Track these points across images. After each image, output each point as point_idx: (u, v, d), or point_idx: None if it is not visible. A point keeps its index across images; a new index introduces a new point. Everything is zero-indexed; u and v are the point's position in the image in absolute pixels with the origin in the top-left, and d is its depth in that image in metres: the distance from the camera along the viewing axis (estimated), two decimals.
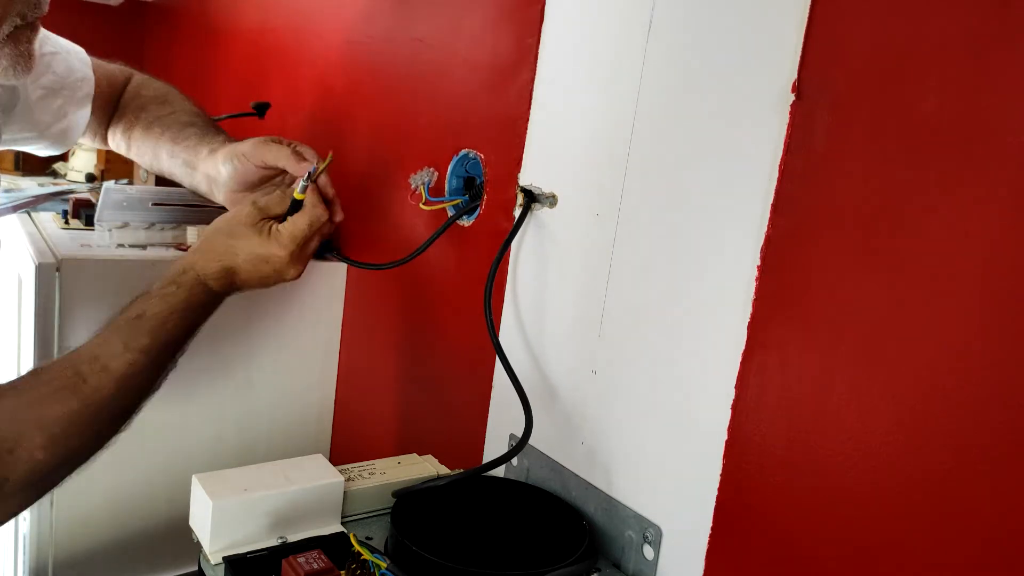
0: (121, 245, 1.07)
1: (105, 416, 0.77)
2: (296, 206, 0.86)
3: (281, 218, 0.87)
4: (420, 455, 0.84)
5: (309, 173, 0.87)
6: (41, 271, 0.96)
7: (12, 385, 0.74)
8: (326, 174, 0.91)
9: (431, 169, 0.96)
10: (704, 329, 0.66)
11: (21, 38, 0.72)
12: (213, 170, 0.96)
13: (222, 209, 1.18)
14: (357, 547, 0.63)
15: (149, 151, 1.04)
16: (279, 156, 0.92)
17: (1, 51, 0.70)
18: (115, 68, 1.08)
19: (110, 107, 1.07)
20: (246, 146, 0.93)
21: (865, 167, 0.55)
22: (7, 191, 1.47)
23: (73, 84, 0.99)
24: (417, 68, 1.02)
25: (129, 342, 0.78)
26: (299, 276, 0.88)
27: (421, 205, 0.95)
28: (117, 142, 1.08)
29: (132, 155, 1.08)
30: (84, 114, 1.01)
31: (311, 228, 0.86)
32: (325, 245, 0.90)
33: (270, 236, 0.85)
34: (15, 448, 0.72)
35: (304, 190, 0.86)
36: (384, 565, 0.63)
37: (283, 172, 0.95)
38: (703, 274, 0.66)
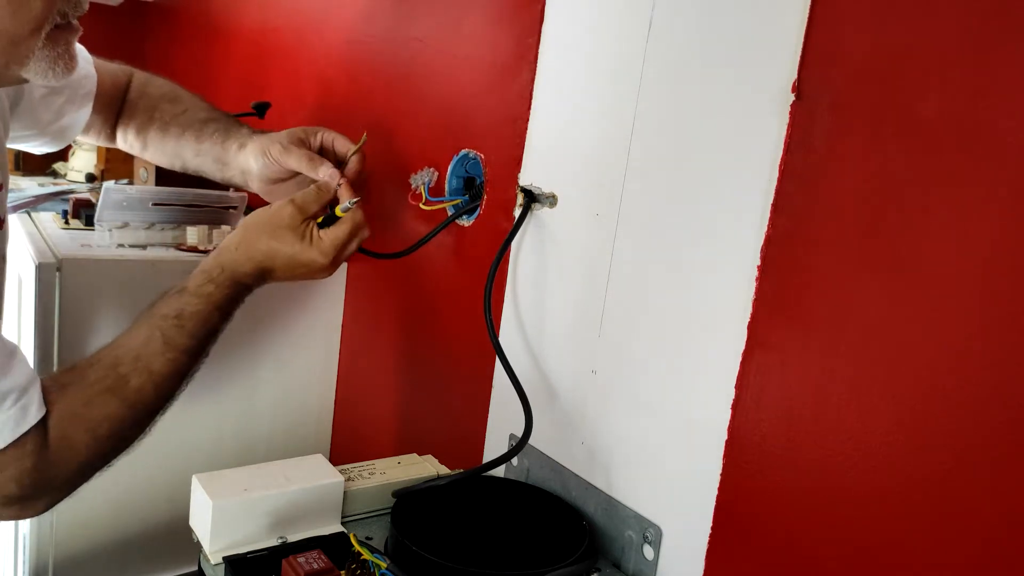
0: (121, 245, 1.07)
1: (146, 413, 0.80)
2: (333, 218, 0.87)
3: (320, 219, 0.87)
4: (420, 455, 0.84)
5: (350, 201, 0.88)
6: (41, 271, 0.96)
7: (57, 383, 0.77)
8: (360, 156, 0.93)
9: (431, 169, 0.96)
10: (704, 329, 0.66)
11: (59, 39, 0.71)
12: (246, 164, 0.98)
13: (221, 211, 1.19)
14: (357, 547, 0.63)
15: (170, 151, 1.06)
16: (300, 165, 0.93)
17: (40, 52, 0.70)
18: (116, 67, 1.08)
19: (115, 105, 1.08)
20: (275, 149, 0.95)
21: (865, 167, 0.55)
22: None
23: (75, 82, 0.99)
24: (417, 68, 1.02)
25: (170, 342, 0.80)
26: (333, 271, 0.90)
27: (421, 205, 0.95)
28: (130, 142, 1.09)
29: (148, 155, 1.09)
30: (85, 112, 1.02)
31: (350, 236, 0.87)
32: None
33: (312, 243, 0.86)
34: (62, 448, 0.75)
35: (347, 210, 0.87)
36: (384, 565, 0.63)
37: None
38: (703, 274, 0.66)
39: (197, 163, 1.04)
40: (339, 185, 0.90)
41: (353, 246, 0.88)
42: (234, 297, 0.85)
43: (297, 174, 0.96)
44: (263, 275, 0.86)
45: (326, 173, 0.91)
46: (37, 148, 1.04)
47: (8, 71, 0.70)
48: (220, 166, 1.02)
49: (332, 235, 0.86)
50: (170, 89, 1.08)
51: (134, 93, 1.08)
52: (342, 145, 0.95)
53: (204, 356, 0.85)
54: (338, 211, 0.87)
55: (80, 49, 1.00)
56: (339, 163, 0.94)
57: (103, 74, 1.04)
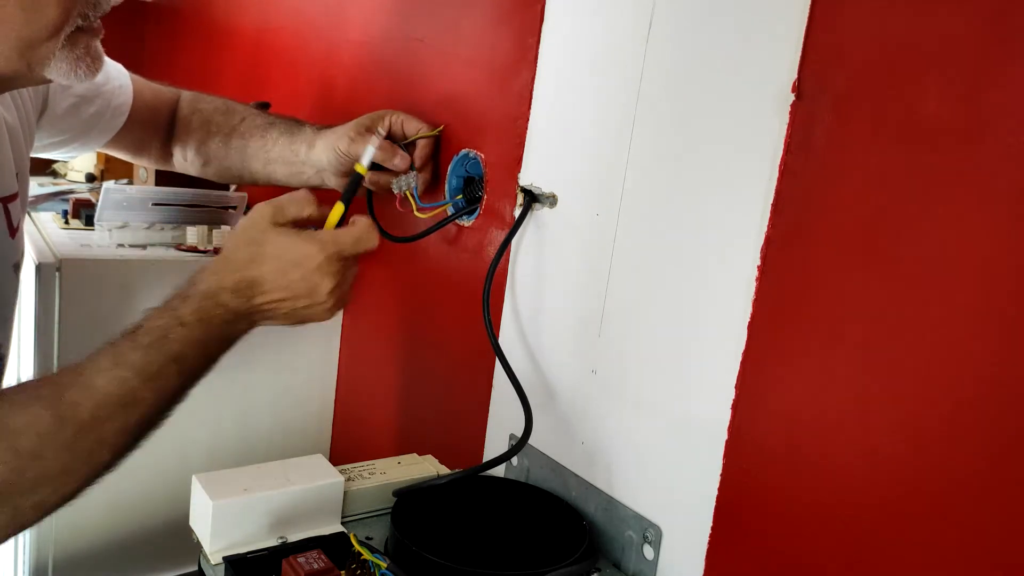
0: (121, 245, 1.08)
1: (85, 437, 0.66)
2: (356, 181, 0.83)
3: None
4: (420, 455, 0.84)
5: (371, 149, 0.86)
6: (41, 271, 0.97)
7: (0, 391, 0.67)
8: (430, 141, 0.93)
9: (413, 172, 0.92)
10: (704, 329, 0.66)
11: (79, 41, 0.70)
12: (319, 162, 0.97)
13: (221, 211, 1.19)
14: (357, 547, 0.63)
15: (235, 164, 1.04)
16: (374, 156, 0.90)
17: (60, 54, 0.69)
18: (160, 85, 1.08)
19: (163, 123, 1.07)
20: (343, 143, 0.93)
21: (865, 167, 0.55)
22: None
23: (109, 92, 0.99)
24: (417, 68, 1.02)
25: (118, 358, 0.67)
26: (335, 309, 0.74)
27: (416, 213, 0.91)
28: (190, 160, 1.07)
29: (210, 172, 1.07)
30: (117, 123, 1.01)
31: (355, 245, 0.73)
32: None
33: (306, 237, 0.72)
34: None
35: (367, 165, 0.84)
36: (384, 565, 0.62)
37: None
38: (703, 274, 0.66)
39: (268, 172, 1.02)
40: (414, 170, 0.89)
41: (353, 274, 0.75)
42: (212, 318, 0.70)
43: (373, 164, 0.93)
44: (248, 286, 0.71)
45: (402, 163, 0.90)
46: (62, 155, 1.04)
47: (31, 72, 0.69)
48: (293, 170, 1.00)
49: (331, 231, 0.74)
50: (222, 102, 1.07)
51: (185, 110, 1.07)
52: (412, 127, 0.93)
53: (175, 389, 0.70)
54: (357, 166, 0.85)
55: (116, 64, 1.00)
56: (406, 144, 0.93)
57: (143, 89, 1.04)
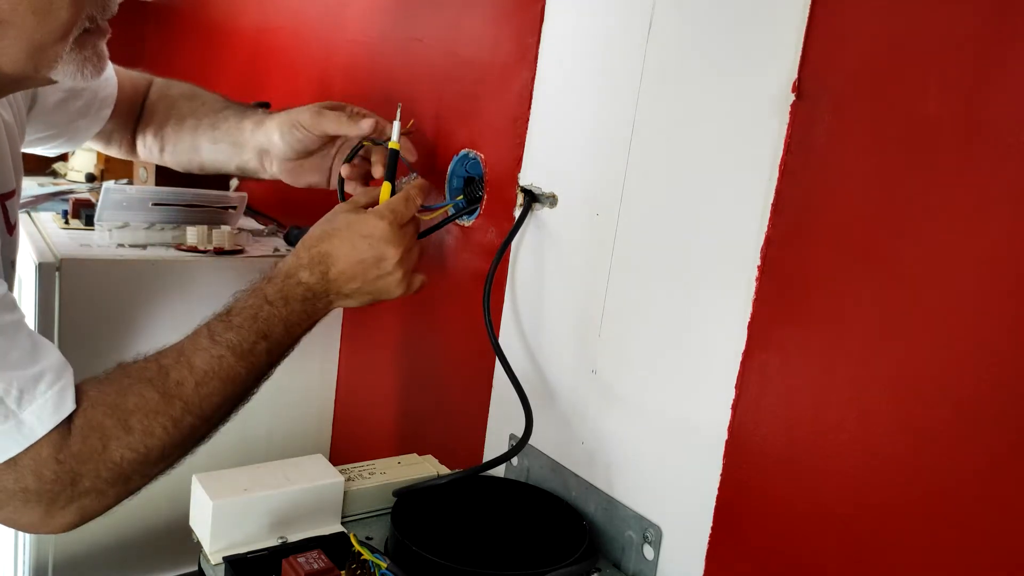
0: (121, 245, 1.07)
1: (184, 411, 0.72)
2: (393, 157, 0.86)
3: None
4: (420, 455, 0.84)
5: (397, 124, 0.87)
6: (41, 271, 0.97)
7: (97, 377, 0.72)
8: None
9: (413, 175, 0.92)
10: (704, 329, 0.66)
11: (87, 42, 0.71)
12: (266, 141, 0.94)
13: (221, 211, 1.19)
14: (357, 547, 0.63)
15: (187, 147, 1.02)
16: (339, 125, 0.90)
17: (68, 55, 0.70)
18: (136, 74, 1.07)
19: (134, 112, 1.06)
20: (304, 116, 0.91)
21: (865, 167, 0.55)
22: None
23: (96, 86, 0.98)
24: (417, 68, 1.02)
25: (215, 336, 0.74)
26: (406, 281, 0.81)
27: (417, 215, 0.89)
28: (148, 146, 1.06)
29: (167, 158, 1.05)
30: (104, 115, 1.00)
31: (407, 203, 0.80)
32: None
33: (370, 212, 0.80)
34: (88, 435, 0.68)
35: (397, 139, 0.86)
36: (384, 565, 0.62)
37: (339, 137, 0.94)
38: (703, 274, 0.66)
39: (212, 153, 1.00)
40: (414, 173, 0.89)
41: (409, 204, 0.81)
42: (295, 295, 0.77)
43: (321, 148, 0.93)
44: (322, 261, 0.78)
45: (368, 125, 0.88)
46: (49, 151, 1.04)
47: (38, 74, 0.70)
48: (235, 150, 0.98)
49: (385, 202, 0.80)
50: (189, 88, 1.06)
51: (153, 96, 1.06)
52: (367, 117, 0.92)
53: (265, 363, 0.77)
54: (391, 144, 0.86)
55: None
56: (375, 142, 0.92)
57: (123, 80, 1.03)
